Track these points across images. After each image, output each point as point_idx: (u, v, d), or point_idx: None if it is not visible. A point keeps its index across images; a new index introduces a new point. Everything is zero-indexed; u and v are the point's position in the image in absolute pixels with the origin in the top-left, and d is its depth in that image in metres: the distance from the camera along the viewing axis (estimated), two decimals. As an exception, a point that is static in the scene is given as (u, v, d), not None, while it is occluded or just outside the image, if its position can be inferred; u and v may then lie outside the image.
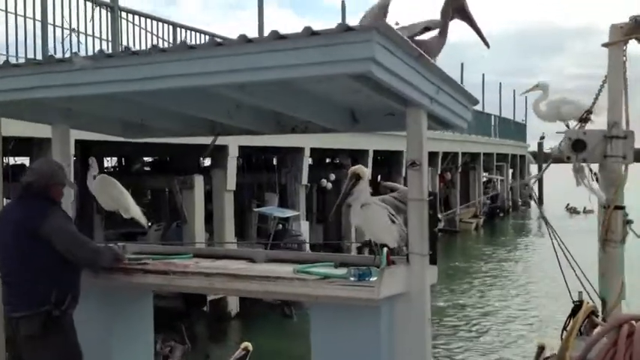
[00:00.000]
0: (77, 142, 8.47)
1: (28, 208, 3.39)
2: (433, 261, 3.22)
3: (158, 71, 2.83)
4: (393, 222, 3.26)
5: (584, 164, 3.40)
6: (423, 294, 3.17)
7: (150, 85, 2.90)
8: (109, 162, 22.79)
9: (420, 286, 3.16)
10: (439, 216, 4.29)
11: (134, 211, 4.28)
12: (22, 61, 3.81)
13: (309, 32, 2.53)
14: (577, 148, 3.37)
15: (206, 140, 11.33)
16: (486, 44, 3.66)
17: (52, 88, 3.07)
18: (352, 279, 3.06)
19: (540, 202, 35.35)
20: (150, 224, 15.26)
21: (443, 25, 3.45)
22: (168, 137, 4.72)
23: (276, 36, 2.59)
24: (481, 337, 11.51)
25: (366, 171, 3.33)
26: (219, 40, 2.73)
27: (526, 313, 13.06)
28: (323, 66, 2.56)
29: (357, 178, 3.27)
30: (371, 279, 3.05)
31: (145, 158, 19.44)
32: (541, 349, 8.69)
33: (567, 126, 3.90)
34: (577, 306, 3.38)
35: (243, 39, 2.65)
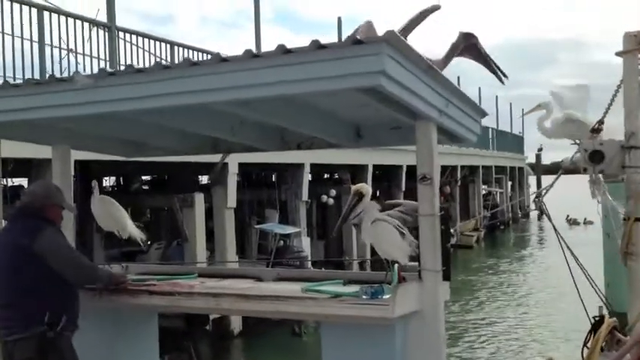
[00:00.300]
0: (76, 162, 8.40)
1: (21, 227, 3.32)
2: (446, 277, 3.14)
3: (161, 89, 2.77)
4: (403, 234, 3.19)
5: (600, 176, 3.32)
6: (437, 311, 3.09)
7: (153, 103, 2.83)
8: (108, 181, 22.74)
9: (433, 303, 3.08)
10: (452, 231, 4.22)
11: (131, 230, 4.21)
12: (19, 81, 3.74)
13: (316, 46, 2.47)
14: (594, 159, 3.29)
15: (206, 158, 11.40)
16: (500, 79, 3.61)
17: (52, 108, 3.00)
18: (365, 297, 2.97)
19: (540, 214, 35.34)
20: (150, 243, 15.18)
21: (447, 57, 3.42)
22: (170, 156, 4.61)
23: (282, 50, 2.53)
24: (485, 351, 11.36)
25: (369, 189, 3.29)
26: (223, 55, 2.65)
27: (531, 326, 12.93)
28: (331, 80, 2.50)
29: (360, 196, 3.23)
30: (384, 297, 2.97)
31: (144, 177, 19.41)
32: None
33: (575, 142, 3.86)
34: (597, 321, 3.29)
35: (249, 54, 2.59)
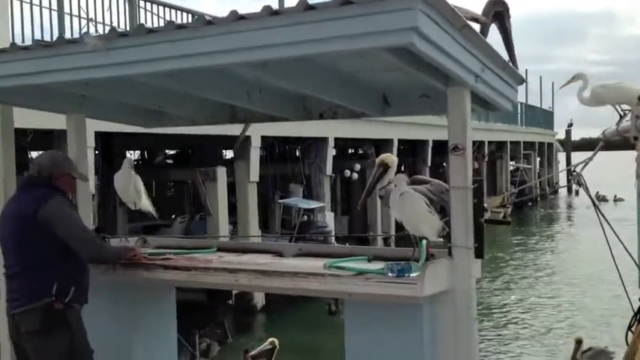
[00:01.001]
0: (97, 134, 8.33)
1: (29, 196, 3.20)
2: (479, 254, 2.93)
3: (174, 50, 2.58)
4: (431, 213, 2.99)
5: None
6: (468, 291, 2.89)
7: (166, 65, 2.65)
8: (133, 155, 22.86)
9: (465, 282, 2.88)
10: (485, 205, 4.01)
11: (145, 202, 4.11)
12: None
13: (341, 1, 2.24)
14: (649, 126, 3.01)
15: (228, 131, 11.25)
16: (514, 63, 3.35)
17: (62, 72, 2.83)
18: (391, 275, 2.78)
19: (569, 191, 34.66)
20: (174, 216, 15.19)
21: (484, 23, 3.16)
22: (188, 126, 4.45)
23: (304, 7, 2.31)
24: (512, 330, 11.15)
25: (394, 159, 3.08)
26: (240, 13, 2.44)
27: (561, 306, 12.66)
28: (358, 39, 2.27)
29: (385, 167, 3.03)
30: (411, 274, 2.78)
31: (168, 151, 19.41)
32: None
33: (617, 110, 3.66)
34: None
35: (268, 11, 2.38)
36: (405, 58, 2.56)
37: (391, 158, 3.05)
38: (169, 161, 19.03)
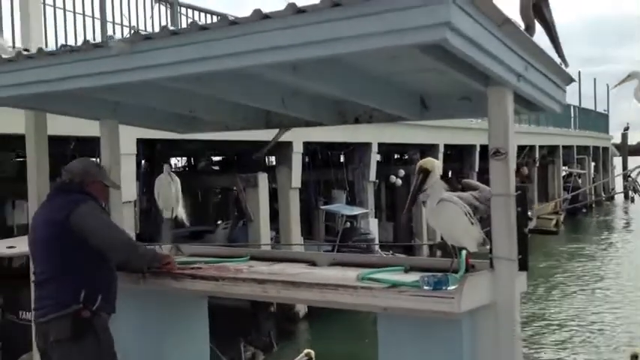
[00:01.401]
0: (139, 140, 8.41)
1: (60, 202, 3.17)
2: (523, 267, 2.73)
3: (199, 52, 2.48)
4: (471, 222, 2.80)
5: None
6: (511, 306, 2.69)
7: (192, 68, 2.55)
8: (179, 162, 23.19)
9: (507, 296, 2.68)
10: (529, 213, 3.78)
11: (180, 210, 4.08)
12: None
13: (369, -4, 2.10)
14: None
15: (272, 137, 11.22)
16: (564, 61, 3.10)
17: (88, 77, 2.77)
18: (426, 288, 2.61)
19: (626, 197, 33.32)
20: (218, 223, 15.29)
21: (529, 19, 2.92)
22: (223, 131, 4.39)
23: (330, 3, 2.17)
24: (564, 345, 10.67)
25: (436, 163, 2.87)
26: (265, 12, 2.33)
27: (615, 318, 12.06)
28: (388, 36, 2.12)
29: (426, 172, 2.82)
30: (449, 288, 2.60)
31: (214, 158, 19.60)
32: (635, 358, 7.89)
33: None
34: None
35: (292, 9, 2.25)
36: (440, 57, 2.40)
37: (431, 162, 2.85)
38: (215, 167, 19.24)
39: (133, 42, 2.60)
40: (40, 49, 2.88)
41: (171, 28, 2.56)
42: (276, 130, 10.35)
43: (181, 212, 4.29)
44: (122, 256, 3.18)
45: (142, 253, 3.29)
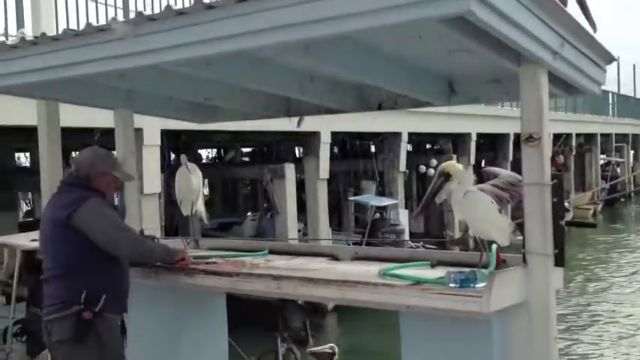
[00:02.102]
0: (163, 132, 8.33)
1: (64, 198, 3.04)
2: (559, 262, 2.50)
3: (206, 33, 2.32)
4: (499, 211, 2.59)
5: None
6: (546, 304, 2.47)
7: (199, 50, 2.38)
8: (210, 153, 23.22)
9: (542, 294, 2.46)
10: (566, 204, 3.50)
11: (200, 205, 3.92)
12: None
13: (386, -35, 1.90)
14: None
15: (301, 128, 11.01)
16: (592, 26, 2.85)
17: (93, 62, 2.63)
18: (452, 285, 2.41)
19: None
20: (248, 214, 15.24)
21: None
22: (242, 120, 4.23)
23: (344, -24, 1.98)
24: (601, 340, 10.28)
25: (458, 167, 2.67)
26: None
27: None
28: (407, 9, 1.93)
29: (447, 176, 2.63)
30: (477, 285, 2.40)
31: (244, 149, 19.57)
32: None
33: None
34: None
35: (304, -17, 2.07)
36: (467, 34, 2.18)
37: (455, 167, 2.64)
38: (246, 159, 19.21)
39: (136, 24, 2.45)
40: (43, 34, 2.75)
41: (176, 7, 2.40)
42: (309, 119, 10.17)
43: (201, 208, 4.10)
44: (128, 254, 3.05)
45: (149, 249, 3.15)
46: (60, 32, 2.73)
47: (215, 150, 21.94)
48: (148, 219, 7.76)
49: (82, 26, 2.71)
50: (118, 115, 3.76)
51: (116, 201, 4.18)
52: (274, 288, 2.74)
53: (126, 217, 3.94)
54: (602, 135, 28.89)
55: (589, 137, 27.74)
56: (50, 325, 2.94)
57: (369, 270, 2.87)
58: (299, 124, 4.35)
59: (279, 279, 2.75)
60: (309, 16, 2.09)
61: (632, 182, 31.04)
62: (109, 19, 2.60)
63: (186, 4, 2.67)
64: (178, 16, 2.38)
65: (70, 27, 4.84)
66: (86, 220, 2.92)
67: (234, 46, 2.32)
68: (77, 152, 6.69)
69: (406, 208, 14.82)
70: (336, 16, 2.04)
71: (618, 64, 33.96)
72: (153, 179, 8.01)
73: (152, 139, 8.02)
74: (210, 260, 3.30)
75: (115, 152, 3.68)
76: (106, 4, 7.49)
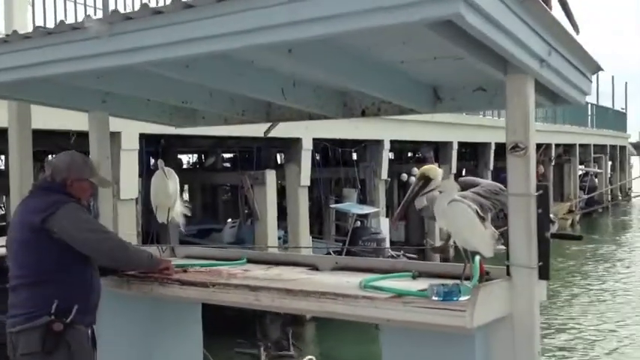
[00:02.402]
0: (142, 135, 8.19)
1: (37, 203, 2.89)
2: (544, 275, 2.44)
3: (184, 33, 2.22)
4: (483, 219, 2.54)
5: None
6: (530, 318, 2.42)
7: (177, 51, 2.29)
8: (190, 158, 22.95)
9: (526, 308, 2.41)
10: (551, 216, 3.46)
11: (177, 211, 3.80)
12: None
13: (371, -35, 1.83)
14: None
15: (284, 133, 10.96)
16: (575, 28, 2.82)
17: (65, 62, 2.53)
18: (435, 298, 2.34)
19: (642, 196, 32.72)
20: (229, 221, 15.08)
21: None
22: (222, 125, 4.13)
23: (327, -24, 1.91)
24: (578, 354, 10.29)
25: (438, 171, 2.66)
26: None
27: (633, 326, 11.66)
28: (393, 12, 1.85)
29: (427, 180, 2.61)
30: (460, 299, 2.33)
31: (227, 155, 19.40)
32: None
33: None
34: None
35: (286, -17, 1.99)
36: (454, 39, 2.11)
37: (433, 170, 2.64)
38: (227, 164, 19.03)
39: (111, 22, 2.35)
40: (14, 32, 2.63)
41: (153, 6, 2.30)
42: (291, 126, 10.05)
43: (178, 214, 3.97)
44: (110, 258, 2.92)
45: (134, 253, 3.03)
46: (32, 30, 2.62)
47: (196, 155, 21.74)
48: (124, 225, 7.60)
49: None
50: (93, 117, 3.64)
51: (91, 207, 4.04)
52: (252, 300, 2.64)
53: (99, 224, 3.83)
54: (580, 146, 29.21)
55: (568, 148, 28.04)
56: (16, 337, 2.77)
57: (350, 281, 2.79)
58: (266, 133, 4.26)
59: (256, 290, 2.66)
60: (291, 18, 2.01)
61: (609, 193, 31.45)
62: (83, 17, 2.49)
63: (166, 3, 2.56)
64: (155, 15, 2.29)
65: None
66: (65, 225, 2.78)
67: (212, 48, 2.23)
68: (52, 155, 6.53)
69: (387, 216, 14.79)
70: (319, 17, 1.97)
71: (597, 76, 34.44)
72: (130, 184, 7.85)
73: (130, 143, 7.87)
74: (184, 269, 3.19)
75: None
76: (85, 4, 7.32)
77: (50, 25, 6.54)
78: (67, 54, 2.52)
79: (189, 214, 4.08)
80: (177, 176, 3.99)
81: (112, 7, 7.48)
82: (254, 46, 2.18)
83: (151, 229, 8.83)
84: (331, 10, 1.93)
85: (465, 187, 2.73)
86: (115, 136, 7.70)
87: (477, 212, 2.50)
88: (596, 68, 2.87)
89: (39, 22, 6.53)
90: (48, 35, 2.56)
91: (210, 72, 2.86)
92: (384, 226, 13.50)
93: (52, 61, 2.58)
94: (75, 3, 7.23)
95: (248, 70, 2.93)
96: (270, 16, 2.04)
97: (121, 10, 2.50)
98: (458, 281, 2.47)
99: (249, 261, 3.53)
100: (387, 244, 12.92)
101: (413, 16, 1.84)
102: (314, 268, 3.31)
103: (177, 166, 14.67)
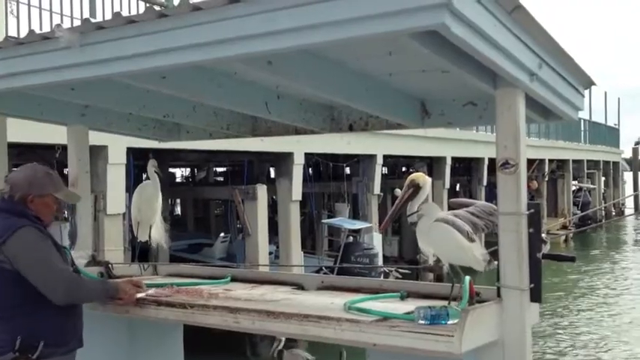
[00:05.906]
0: (129, 149, 8.07)
1: None
2: (536, 298, 2.34)
3: (158, 43, 2.12)
4: (472, 240, 2.44)
5: None
6: (521, 343, 2.30)
7: (152, 62, 2.18)
8: (184, 172, 22.80)
9: (517, 332, 2.30)
10: (543, 236, 3.34)
11: (155, 231, 3.66)
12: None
13: (353, -27, 1.74)
14: None
15: (276, 148, 10.87)
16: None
17: (36, 73, 2.43)
18: (421, 322, 2.22)
19: (636, 209, 32.73)
20: (221, 235, 14.92)
21: None
22: (207, 139, 4.03)
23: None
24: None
25: (426, 179, 2.59)
26: (234, -4, 1.97)
27: (629, 343, 11.53)
28: (373, 22, 1.76)
29: (416, 187, 2.54)
30: (448, 322, 2.21)
31: (219, 169, 19.27)
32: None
33: None
34: None
35: (262, -9, 1.89)
36: (441, 51, 2.02)
37: (423, 178, 2.56)
38: (220, 179, 18.89)
39: (82, 32, 2.25)
40: (-17, 42, 2.52)
41: (126, 15, 2.20)
42: (282, 140, 9.89)
43: (160, 232, 3.81)
44: (61, 298, 2.58)
45: (87, 291, 2.77)
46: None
47: (188, 169, 21.62)
48: (111, 241, 7.45)
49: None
50: (72, 131, 3.54)
51: (69, 223, 3.90)
52: (232, 322, 2.52)
53: (77, 241, 3.70)
54: (574, 161, 29.25)
55: (561, 163, 28.06)
56: None
57: (334, 302, 2.67)
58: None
59: (236, 312, 2.54)
60: (267, 28, 1.91)
61: (602, 209, 31.40)
62: (53, 26, 2.38)
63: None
64: (128, 24, 2.19)
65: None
66: (16, 254, 2.53)
67: (188, 59, 2.13)
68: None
69: (380, 231, 14.67)
70: (296, 27, 1.87)
71: (590, 92, 34.55)
72: (117, 199, 7.70)
73: (117, 157, 7.73)
74: (163, 289, 3.06)
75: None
76: (61, 14, 7.19)
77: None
78: (38, 65, 2.42)
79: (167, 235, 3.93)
80: (159, 186, 3.82)
81: (95, 16, 7.37)
82: (230, 57, 2.08)
83: (139, 245, 8.67)
84: (309, 20, 1.83)
85: (458, 207, 2.63)
86: (102, 150, 7.59)
87: (467, 234, 2.41)
88: (589, 83, 2.78)
89: (24, 31, 6.40)
90: (19, 45, 2.46)
91: (189, 84, 2.75)
92: (376, 241, 13.37)
93: (24, 72, 2.48)
94: (50, 12, 7.10)
95: (229, 82, 2.84)
96: (245, 27, 1.94)
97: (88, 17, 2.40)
98: (446, 303, 2.37)
99: (234, 279, 3.42)
100: (380, 259, 12.78)
101: (396, 27, 1.75)
102: (299, 287, 3.20)
103: (169, 180, 14.53)
